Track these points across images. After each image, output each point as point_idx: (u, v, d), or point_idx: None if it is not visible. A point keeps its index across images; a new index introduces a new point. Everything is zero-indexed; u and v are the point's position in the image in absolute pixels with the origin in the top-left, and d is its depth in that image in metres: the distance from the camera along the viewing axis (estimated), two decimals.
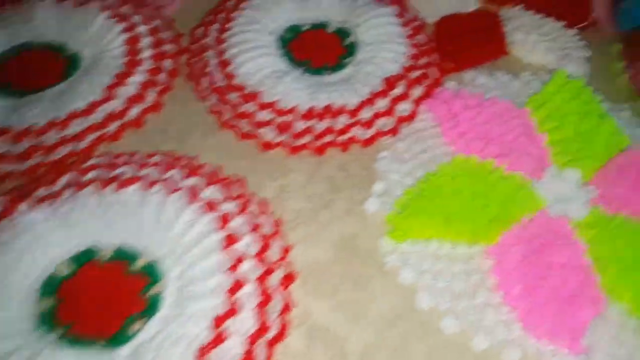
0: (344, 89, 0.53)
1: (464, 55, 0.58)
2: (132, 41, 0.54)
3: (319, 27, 0.60)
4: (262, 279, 0.42)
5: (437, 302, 0.43)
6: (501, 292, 0.43)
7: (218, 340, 0.38)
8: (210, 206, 0.44)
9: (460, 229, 0.46)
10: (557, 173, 0.50)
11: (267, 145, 0.51)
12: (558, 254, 0.45)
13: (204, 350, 0.38)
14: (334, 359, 0.40)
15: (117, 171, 0.46)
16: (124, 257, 0.43)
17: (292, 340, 0.41)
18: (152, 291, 0.41)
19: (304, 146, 0.51)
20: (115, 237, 0.44)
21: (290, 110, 0.51)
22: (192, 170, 0.47)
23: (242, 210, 0.45)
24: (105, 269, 0.43)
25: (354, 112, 0.52)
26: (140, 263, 0.43)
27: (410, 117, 0.54)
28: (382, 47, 0.56)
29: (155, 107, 0.53)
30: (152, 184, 0.45)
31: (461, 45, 0.59)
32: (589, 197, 0.49)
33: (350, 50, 0.57)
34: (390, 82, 0.53)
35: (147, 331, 0.39)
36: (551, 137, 0.52)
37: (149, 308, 0.41)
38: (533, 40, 0.59)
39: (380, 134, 0.53)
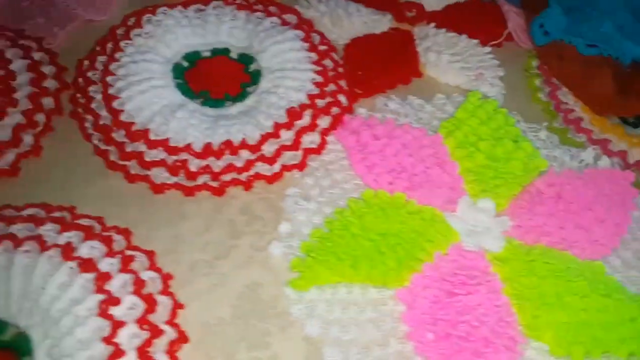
0: (245, 121, 0.49)
1: (373, 80, 0.55)
2: (6, 78, 0.49)
3: (221, 54, 0.56)
4: (144, 347, 0.37)
5: (345, 356, 0.39)
6: (412, 342, 0.40)
7: None
8: (87, 265, 0.39)
9: (369, 272, 0.42)
10: (471, 204, 0.47)
11: (159, 189, 0.47)
12: (472, 293, 0.42)
13: None
14: None
15: None
16: None
17: None
18: None
19: (201, 187, 0.47)
20: None
21: (184, 148, 0.47)
22: (68, 223, 0.42)
23: (124, 267, 0.40)
24: None
25: (256, 147, 0.48)
26: (7, 335, 0.38)
27: (318, 150, 0.50)
28: (287, 75, 0.52)
29: (33, 151, 0.48)
30: (21, 242, 0.40)
31: (371, 70, 0.56)
32: (504, 228, 0.46)
33: (254, 78, 0.54)
34: (295, 113, 0.50)
35: None
36: (463, 164, 0.49)
37: None
38: (446, 60, 0.57)
39: (286, 168, 0.49)
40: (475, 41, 0.60)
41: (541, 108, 0.57)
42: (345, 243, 0.43)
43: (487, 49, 0.59)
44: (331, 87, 0.53)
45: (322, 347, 0.40)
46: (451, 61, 0.57)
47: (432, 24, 0.61)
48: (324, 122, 0.52)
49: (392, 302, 0.42)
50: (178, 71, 0.53)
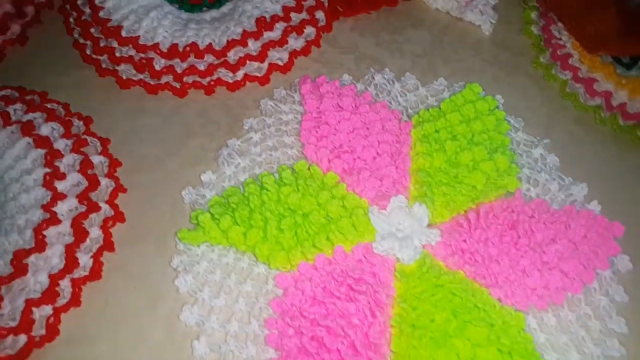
0: (214, 27, 0.50)
1: None
2: None
3: None
4: (78, 219, 0.41)
5: (202, 320, 0.38)
6: (270, 330, 0.37)
7: (17, 274, 0.38)
8: (42, 142, 0.43)
9: (257, 245, 0.39)
10: (404, 205, 0.41)
11: (125, 84, 0.49)
12: (352, 301, 0.37)
13: (1, 282, 0.37)
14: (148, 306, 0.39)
15: None
16: None
17: (105, 283, 0.40)
18: None
19: (163, 86, 0.49)
20: None
21: (152, 47, 0.49)
22: (36, 105, 0.46)
23: (76, 148, 0.44)
24: None
25: (220, 53, 0.49)
26: None
27: (284, 69, 0.51)
28: None
29: (18, 40, 0.51)
30: None
31: None
32: (428, 241, 0.40)
33: None
34: (265, 22, 0.50)
35: None
36: (418, 161, 0.43)
37: None
38: None
39: (248, 78, 0.50)
40: None
41: (531, 42, 0.54)
42: (250, 209, 0.40)
43: None
44: (310, 1, 0.53)
45: (183, 303, 0.39)
46: None
47: None
48: (296, 42, 0.52)
49: (272, 283, 0.39)
50: None
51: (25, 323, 0.37)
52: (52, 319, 0.38)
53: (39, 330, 0.38)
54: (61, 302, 0.39)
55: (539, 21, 0.54)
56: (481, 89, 0.47)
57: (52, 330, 0.38)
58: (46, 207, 0.40)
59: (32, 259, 0.39)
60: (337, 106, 0.46)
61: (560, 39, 0.52)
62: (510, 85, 0.51)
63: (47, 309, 0.38)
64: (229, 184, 0.44)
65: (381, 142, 0.44)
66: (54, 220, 0.40)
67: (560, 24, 0.52)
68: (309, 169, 0.43)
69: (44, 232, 0.39)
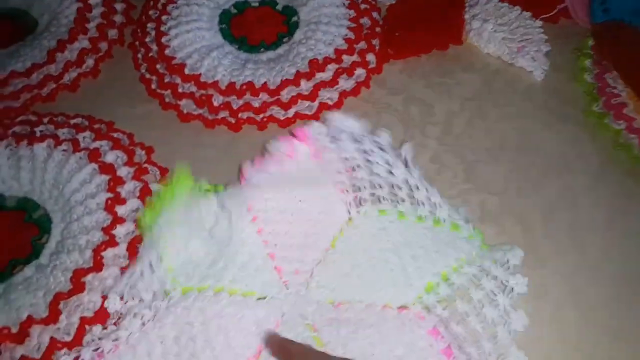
0: (270, 67, 0.53)
1: (409, 42, 0.56)
2: (84, 10, 0.57)
3: (268, 4, 0.60)
4: (135, 242, 0.43)
5: None
6: None
7: (75, 291, 0.40)
8: (107, 169, 0.47)
9: None
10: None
11: (185, 117, 0.53)
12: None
13: (60, 297, 0.40)
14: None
15: (36, 128, 0.50)
16: (25, 206, 0.47)
17: None
18: (41, 240, 0.45)
19: (220, 121, 0.52)
20: (22, 187, 0.47)
21: (211, 85, 0.52)
22: (103, 134, 0.50)
23: (137, 176, 0.47)
24: (8, 215, 0.47)
25: (274, 92, 0.52)
26: (37, 214, 0.46)
27: (334, 108, 0.53)
28: (320, 28, 0.55)
29: (92, 73, 0.56)
30: (61, 142, 0.48)
31: (409, 31, 0.56)
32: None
33: (291, 29, 0.57)
34: (317, 64, 0.52)
35: (22, 275, 0.42)
36: None
37: (32, 255, 0.44)
38: (489, 28, 0.55)
39: (299, 116, 0.52)
40: (528, 14, 0.57)
41: (583, 90, 0.53)
42: None
43: (538, 22, 0.56)
44: (362, 44, 0.55)
45: None
46: (495, 30, 0.55)
47: None
48: (347, 83, 0.54)
49: None
50: (225, 17, 0.58)
51: (79, 339, 0.40)
52: None
53: None
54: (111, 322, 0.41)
55: (593, 69, 0.54)
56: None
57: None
58: (106, 230, 0.43)
59: (88, 278, 0.42)
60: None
61: (615, 87, 0.51)
62: (560, 133, 0.50)
63: (99, 328, 0.41)
64: None
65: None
66: (111, 242, 0.43)
67: (615, 72, 0.52)
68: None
69: (102, 254, 0.42)
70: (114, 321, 0.40)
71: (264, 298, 0.40)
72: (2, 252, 0.45)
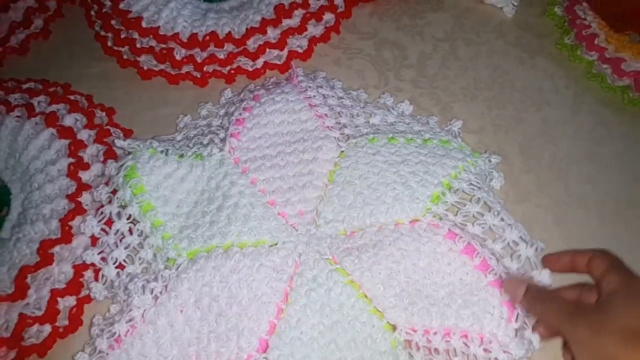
0: (234, 15, 0.50)
1: None
2: None
3: None
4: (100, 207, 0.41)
5: None
6: None
7: (43, 263, 0.38)
8: (66, 133, 0.43)
9: None
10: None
11: (146, 75, 0.50)
12: None
13: (27, 270, 0.37)
14: None
15: None
16: None
17: None
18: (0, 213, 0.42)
19: (184, 76, 0.49)
20: None
21: (172, 37, 0.49)
22: (59, 97, 0.46)
23: (99, 139, 0.44)
24: None
25: (240, 41, 0.49)
26: None
27: (304, 56, 0.50)
28: None
29: (41, 34, 0.52)
30: (13, 108, 0.45)
31: None
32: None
33: None
34: (283, 10, 0.50)
35: None
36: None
37: None
38: None
39: (268, 66, 0.50)
40: None
41: (555, 23, 0.53)
42: None
43: None
44: None
45: None
46: None
47: None
48: (316, 29, 0.51)
49: None
50: None
51: (51, 313, 0.38)
52: (75, 310, 0.39)
53: (62, 320, 0.38)
54: (84, 292, 0.39)
55: (563, 1, 0.53)
56: None
57: (76, 321, 0.39)
58: (71, 197, 0.41)
59: (57, 249, 0.39)
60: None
61: (585, 19, 0.51)
62: (535, 67, 0.50)
63: (71, 300, 0.39)
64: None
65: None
66: (79, 210, 0.41)
67: (585, 4, 0.51)
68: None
69: (70, 223, 0.40)
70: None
71: (276, 244, 0.38)
72: None
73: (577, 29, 0.51)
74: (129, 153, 0.41)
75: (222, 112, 0.47)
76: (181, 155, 0.42)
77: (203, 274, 0.36)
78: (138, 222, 0.39)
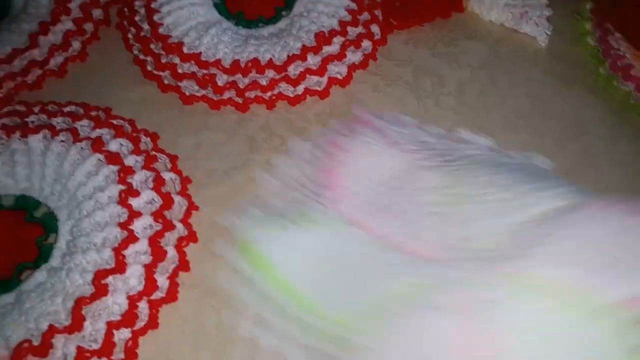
0: (273, 42, 0.50)
1: (411, 11, 0.54)
2: None
3: None
4: (155, 237, 0.41)
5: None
6: None
7: (98, 294, 0.38)
8: (113, 158, 0.43)
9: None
10: None
11: (188, 100, 0.50)
12: None
13: (82, 302, 0.37)
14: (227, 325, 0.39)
15: (27, 119, 0.45)
16: (24, 205, 0.43)
17: (182, 304, 0.40)
18: (47, 241, 0.41)
19: (226, 102, 0.50)
20: (18, 184, 0.43)
21: (214, 63, 0.49)
22: (102, 121, 0.46)
23: (147, 165, 0.44)
24: (6, 215, 0.43)
25: (281, 68, 0.49)
26: (39, 213, 0.43)
27: (343, 82, 0.51)
28: (321, 0, 0.52)
29: (79, 56, 0.52)
30: (57, 133, 0.44)
31: (409, 0, 0.55)
32: None
33: (288, 2, 0.54)
34: (324, 37, 0.50)
35: (33, 280, 0.39)
36: None
37: (41, 257, 0.40)
38: None
39: (309, 92, 0.50)
40: None
41: (588, 53, 0.54)
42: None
43: None
44: (365, 16, 0.53)
45: None
46: None
47: None
48: (354, 56, 0.52)
49: None
50: None
51: (108, 346, 0.37)
52: (130, 342, 0.38)
53: (118, 353, 0.38)
54: (139, 324, 0.39)
55: (595, 32, 0.54)
56: None
57: (131, 354, 0.38)
58: (123, 225, 0.40)
59: (110, 279, 0.39)
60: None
61: (619, 49, 0.52)
62: (572, 97, 0.51)
63: (126, 332, 0.38)
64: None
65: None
66: (132, 238, 0.40)
67: (617, 34, 0.52)
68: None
69: (123, 252, 0.39)
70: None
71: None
72: (5, 256, 0.41)
73: (611, 59, 0.52)
74: None
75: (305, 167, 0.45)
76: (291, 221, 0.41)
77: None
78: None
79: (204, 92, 0.50)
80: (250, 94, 0.49)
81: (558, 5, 0.56)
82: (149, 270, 0.40)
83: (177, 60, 0.49)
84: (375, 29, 0.53)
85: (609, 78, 0.52)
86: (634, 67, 0.51)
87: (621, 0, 0.53)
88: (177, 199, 0.44)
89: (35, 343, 0.36)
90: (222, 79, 0.49)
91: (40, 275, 0.39)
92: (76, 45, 0.52)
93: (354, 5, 0.52)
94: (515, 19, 0.54)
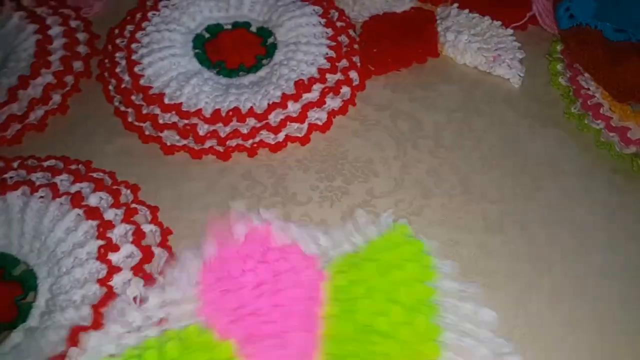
0: (254, 91, 0.51)
1: (388, 57, 0.56)
2: (44, 42, 0.53)
3: (242, 27, 0.58)
4: None
5: None
6: None
7: None
8: (92, 213, 0.43)
9: None
10: None
11: (169, 150, 0.50)
12: None
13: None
14: None
15: (6, 175, 0.45)
16: (3, 263, 0.42)
17: None
18: (26, 299, 0.41)
19: (207, 151, 0.50)
20: None
21: (195, 113, 0.49)
22: (82, 175, 0.46)
23: (127, 218, 0.44)
24: None
25: (262, 116, 0.50)
26: (18, 271, 0.42)
27: (323, 128, 0.52)
28: (300, 48, 0.54)
29: (60, 109, 0.52)
30: (37, 189, 0.44)
31: (386, 47, 0.56)
32: None
33: (270, 50, 0.55)
34: (303, 85, 0.51)
35: (9, 342, 0.38)
36: (327, 329, 0.37)
37: (19, 317, 0.40)
38: (464, 40, 0.56)
39: (290, 139, 0.51)
40: (498, 23, 0.58)
41: (560, 93, 0.55)
42: None
43: (509, 31, 0.58)
44: (343, 62, 0.54)
45: None
46: (470, 41, 0.56)
47: (455, 5, 0.59)
48: (334, 102, 0.53)
49: None
50: (198, 42, 0.56)
51: None
52: None
53: None
54: None
55: (566, 72, 0.56)
56: (408, 231, 0.42)
57: None
58: (102, 282, 0.40)
59: None
60: (243, 254, 0.40)
61: (589, 89, 0.54)
62: (546, 136, 0.52)
63: None
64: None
65: (291, 299, 0.38)
66: (110, 295, 0.40)
67: (587, 75, 0.54)
68: (200, 334, 0.37)
69: (102, 310, 0.39)
70: None
71: None
72: None
73: (582, 99, 0.53)
74: None
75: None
76: None
77: None
78: None
79: (185, 141, 0.50)
80: (232, 143, 0.50)
81: (530, 47, 0.58)
82: None
83: (158, 110, 0.50)
84: (353, 75, 0.55)
85: (580, 117, 0.53)
86: (602, 106, 0.52)
87: (586, 42, 0.55)
88: (158, 250, 0.44)
89: None
90: (203, 129, 0.49)
91: (16, 336, 0.38)
92: (56, 98, 0.52)
93: (332, 53, 0.54)
94: (488, 62, 0.56)
